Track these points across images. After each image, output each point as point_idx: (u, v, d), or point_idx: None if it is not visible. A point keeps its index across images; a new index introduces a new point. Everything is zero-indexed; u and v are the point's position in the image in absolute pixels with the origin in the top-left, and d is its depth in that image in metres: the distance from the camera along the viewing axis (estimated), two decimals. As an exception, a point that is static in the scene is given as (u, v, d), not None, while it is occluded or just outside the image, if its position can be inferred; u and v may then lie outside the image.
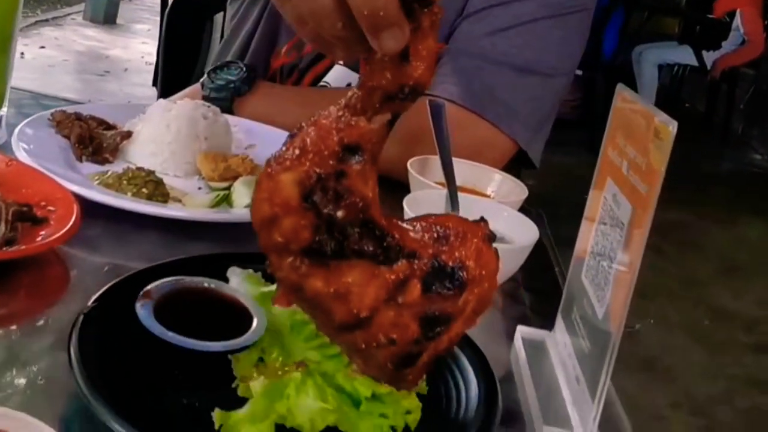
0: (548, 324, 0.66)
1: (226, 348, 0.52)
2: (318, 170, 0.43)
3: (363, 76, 0.45)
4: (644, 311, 3.19)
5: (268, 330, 0.54)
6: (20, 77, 0.94)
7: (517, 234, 0.76)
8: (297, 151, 0.44)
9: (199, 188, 0.81)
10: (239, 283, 0.59)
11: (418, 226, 0.47)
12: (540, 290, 0.79)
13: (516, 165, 1.08)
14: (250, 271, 0.60)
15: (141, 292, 0.53)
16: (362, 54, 0.45)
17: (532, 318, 0.73)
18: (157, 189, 0.74)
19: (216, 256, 0.63)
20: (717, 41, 5.32)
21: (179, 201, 0.76)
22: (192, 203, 0.76)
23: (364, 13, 0.41)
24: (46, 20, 6.01)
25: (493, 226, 0.78)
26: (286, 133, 0.99)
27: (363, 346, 0.45)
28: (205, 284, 0.57)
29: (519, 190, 0.88)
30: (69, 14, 6.37)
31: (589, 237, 0.62)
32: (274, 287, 0.57)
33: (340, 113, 0.45)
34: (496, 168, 0.99)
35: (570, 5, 1.02)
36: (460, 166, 0.90)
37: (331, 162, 0.44)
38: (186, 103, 0.85)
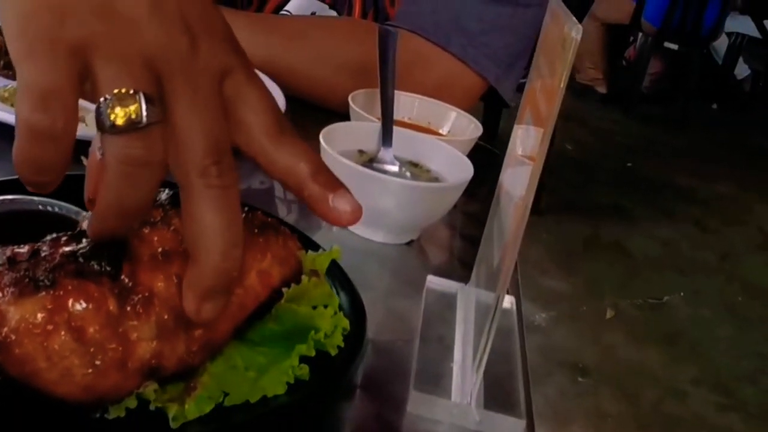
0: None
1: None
2: None
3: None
4: (676, 284, 3.07)
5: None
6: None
7: (452, 174, 0.67)
8: None
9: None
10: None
11: None
12: (477, 239, 0.70)
13: (489, 104, 0.98)
14: None
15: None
16: None
17: (456, 270, 0.64)
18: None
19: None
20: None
21: (83, 121, 0.69)
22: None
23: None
24: None
25: (429, 164, 0.70)
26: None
27: None
28: (40, 207, 0.49)
29: (473, 128, 0.78)
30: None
31: (504, 176, 0.53)
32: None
33: None
34: (464, 106, 0.89)
35: None
36: (414, 101, 0.82)
37: None
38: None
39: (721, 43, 5.27)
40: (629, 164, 4.19)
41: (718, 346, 2.74)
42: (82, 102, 0.39)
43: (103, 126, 0.35)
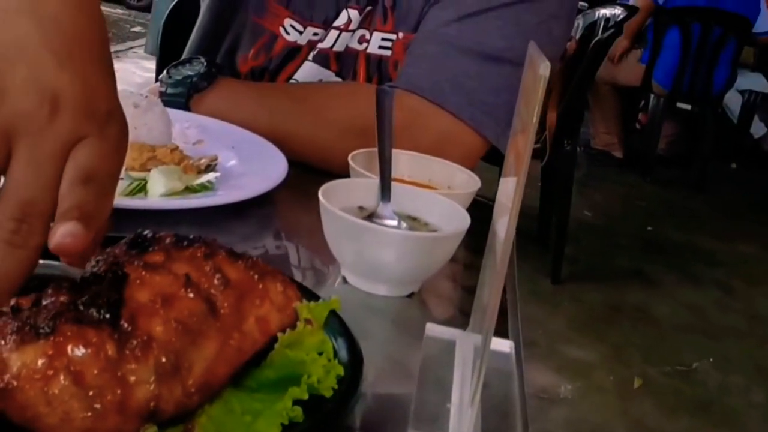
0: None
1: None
2: None
3: None
4: (704, 350, 3.00)
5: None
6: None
7: (450, 225, 0.68)
8: None
9: (121, 178, 0.77)
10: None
11: None
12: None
13: (488, 163, 1.00)
14: None
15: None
16: None
17: (458, 320, 0.65)
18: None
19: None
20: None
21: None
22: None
23: None
24: (108, 54, 6.22)
25: (427, 217, 0.71)
26: (239, 129, 0.95)
27: None
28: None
29: (472, 183, 0.80)
30: (131, 48, 6.59)
31: (494, 226, 0.54)
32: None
33: None
34: (466, 165, 0.91)
35: None
36: (414, 159, 0.84)
37: None
38: (119, 92, 0.81)
39: (735, 102, 5.30)
40: (649, 228, 4.18)
41: (753, 413, 2.66)
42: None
43: None
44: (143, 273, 0.43)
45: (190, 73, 0.96)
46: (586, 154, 5.02)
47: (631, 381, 2.73)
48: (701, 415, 2.59)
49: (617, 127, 4.99)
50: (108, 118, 0.45)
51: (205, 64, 0.97)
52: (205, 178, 0.74)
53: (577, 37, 3.02)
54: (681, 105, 4.71)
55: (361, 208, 0.71)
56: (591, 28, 3.08)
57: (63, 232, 0.41)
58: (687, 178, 4.97)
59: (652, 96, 4.77)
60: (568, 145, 3.07)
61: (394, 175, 0.80)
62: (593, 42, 2.83)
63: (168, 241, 0.46)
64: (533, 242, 3.59)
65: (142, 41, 6.69)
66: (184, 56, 1.15)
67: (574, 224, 3.59)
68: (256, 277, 0.46)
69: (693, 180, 4.91)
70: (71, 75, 0.44)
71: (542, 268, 3.35)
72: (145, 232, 0.47)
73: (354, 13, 1.03)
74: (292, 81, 1.06)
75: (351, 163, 0.78)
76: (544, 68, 0.40)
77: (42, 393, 0.38)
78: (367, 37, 1.03)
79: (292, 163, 0.86)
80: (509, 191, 0.49)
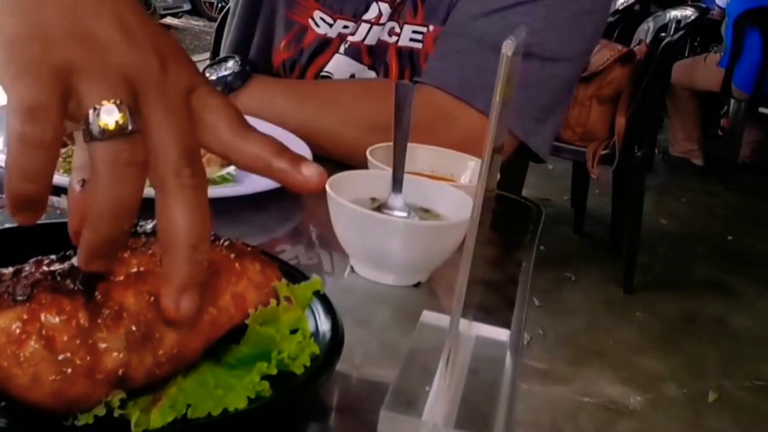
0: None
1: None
2: None
3: None
4: (777, 361, 2.88)
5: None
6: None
7: (456, 214, 0.68)
8: None
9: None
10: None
11: None
12: (492, 284, 0.70)
13: (523, 159, 0.99)
14: None
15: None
16: None
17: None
18: (92, 167, 0.73)
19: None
20: None
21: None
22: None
23: None
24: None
25: (438, 209, 0.71)
26: (269, 126, 0.97)
27: None
28: None
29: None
30: (198, 61, 6.81)
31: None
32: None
33: None
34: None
35: None
36: (436, 154, 0.84)
37: None
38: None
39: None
40: (730, 237, 4.02)
41: (835, 429, 2.53)
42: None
43: (92, 134, 0.40)
44: (122, 253, 0.45)
45: (225, 73, 0.99)
46: (664, 162, 4.89)
47: (706, 395, 2.64)
48: (777, 431, 2.48)
49: (697, 133, 4.83)
50: (198, 69, 0.48)
51: (239, 63, 1.00)
52: (224, 170, 0.76)
53: (648, 40, 2.94)
54: (763, 110, 4.51)
55: (373, 199, 0.72)
56: (662, 30, 2.99)
57: (318, 171, 0.45)
58: (772, 186, 4.77)
59: (732, 101, 4.60)
60: (639, 150, 2.99)
61: (416, 169, 0.80)
62: (663, 44, 2.76)
63: (151, 225, 0.48)
64: (605, 250, 3.51)
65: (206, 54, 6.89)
66: (222, 53, 1.18)
67: (650, 233, 3.49)
68: (233, 256, 0.47)
69: (778, 188, 4.71)
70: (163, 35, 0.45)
71: (614, 277, 3.27)
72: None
73: (384, 6, 1.03)
74: (324, 74, 1.07)
75: (369, 157, 0.78)
76: (507, 47, 0.40)
77: (14, 355, 0.40)
78: (398, 30, 1.03)
79: (317, 157, 0.87)
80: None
